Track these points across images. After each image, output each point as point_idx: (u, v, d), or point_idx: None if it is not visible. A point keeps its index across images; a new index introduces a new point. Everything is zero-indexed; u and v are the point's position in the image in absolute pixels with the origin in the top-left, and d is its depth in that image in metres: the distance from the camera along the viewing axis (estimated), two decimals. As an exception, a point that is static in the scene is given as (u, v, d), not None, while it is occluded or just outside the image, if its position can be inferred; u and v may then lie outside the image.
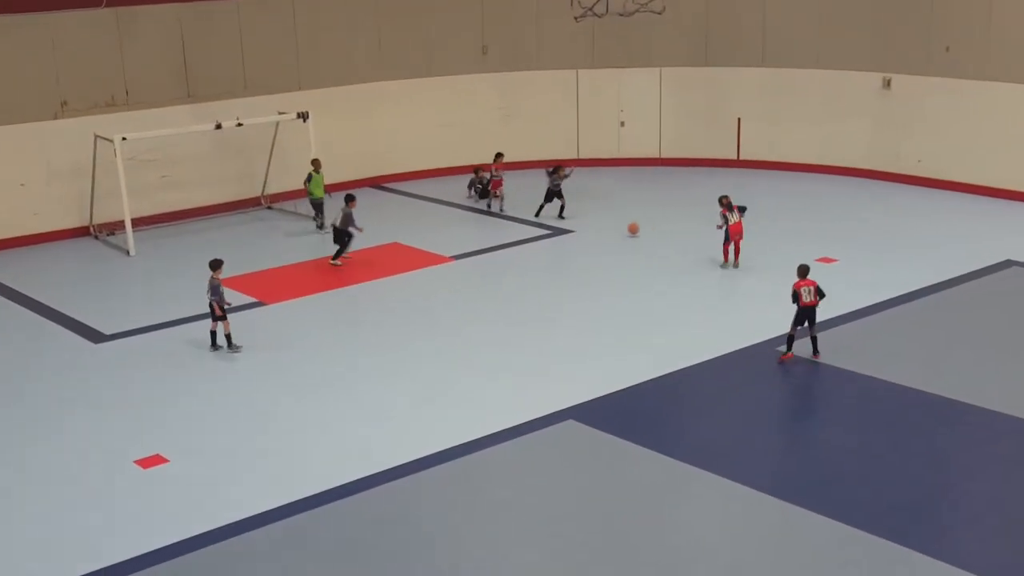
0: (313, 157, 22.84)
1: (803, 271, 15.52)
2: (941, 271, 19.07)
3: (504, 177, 23.59)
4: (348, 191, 21.76)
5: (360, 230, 20.32)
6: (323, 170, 22.85)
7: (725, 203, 19.53)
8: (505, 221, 23.21)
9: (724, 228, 19.43)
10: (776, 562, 10.90)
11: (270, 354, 16.40)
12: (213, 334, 16.44)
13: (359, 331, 17.23)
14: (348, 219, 20.17)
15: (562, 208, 22.94)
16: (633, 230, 21.33)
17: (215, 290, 16.23)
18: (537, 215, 23.00)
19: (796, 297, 15.34)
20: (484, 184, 24.35)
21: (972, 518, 11.58)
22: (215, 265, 16.54)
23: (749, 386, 15.00)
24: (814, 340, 15.50)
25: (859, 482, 12.34)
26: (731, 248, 19.60)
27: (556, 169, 23.04)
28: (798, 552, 11.04)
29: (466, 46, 27.02)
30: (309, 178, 22.63)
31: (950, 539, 11.17)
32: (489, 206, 23.71)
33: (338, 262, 20.30)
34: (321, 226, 22.72)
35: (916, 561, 10.74)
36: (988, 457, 12.91)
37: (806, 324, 15.42)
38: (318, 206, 22.81)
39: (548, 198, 23.02)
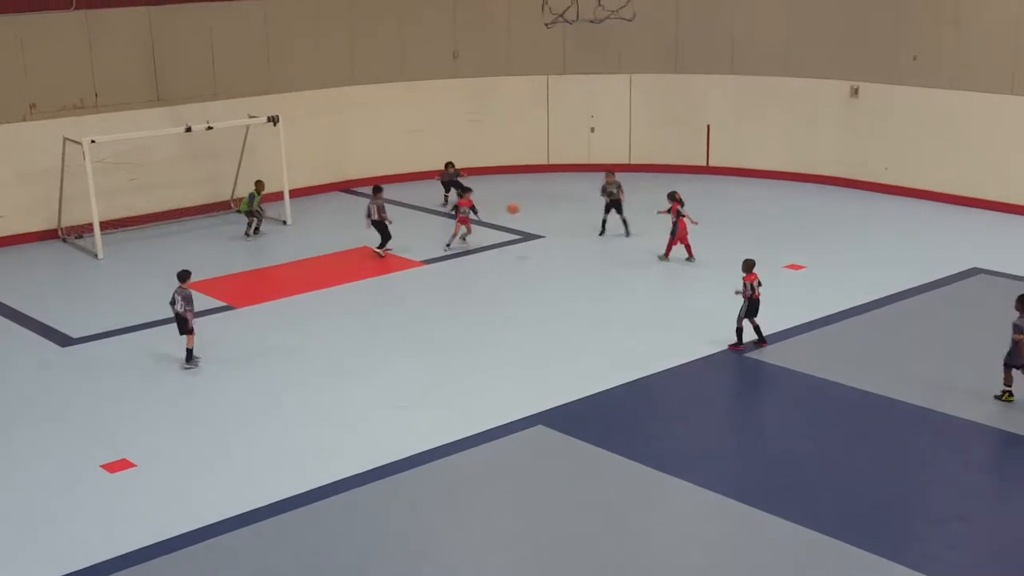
0: (258, 179, 22.79)
1: (749, 265, 16.16)
2: (908, 278, 19.25)
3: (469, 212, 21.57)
4: (376, 184, 22.20)
5: (390, 221, 21.01)
6: (291, 171, 22.84)
7: (678, 198, 20.13)
8: (474, 226, 23.19)
9: (674, 223, 20.08)
10: (743, 567, 10.97)
11: (238, 358, 16.34)
12: (189, 350, 16.07)
13: (328, 335, 17.19)
14: (382, 209, 20.83)
15: (625, 223, 21.93)
16: (513, 210, 21.17)
17: (188, 300, 15.85)
18: (603, 229, 22.21)
19: (750, 290, 16.01)
20: (450, 179, 24.52)
21: (937, 524, 11.70)
22: (184, 276, 16.17)
23: (717, 392, 15.10)
24: (759, 328, 16.19)
25: (825, 488, 12.45)
26: (676, 244, 20.23)
27: (606, 175, 22.02)
28: (765, 557, 11.12)
29: (437, 51, 27.04)
30: (251, 198, 22.51)
31: (914, 545, 11.28)
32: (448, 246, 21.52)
33: (381, 252, 20.84)
34: (250, 232, 22.70)
35: (881, 566, 10.84)
36: (954, 463, 13.05)
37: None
38: (251, 214, 22.68)
39: (607, 210, 22.01)
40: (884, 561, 10.90)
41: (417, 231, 22.61)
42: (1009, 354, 14.31)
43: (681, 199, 20.21)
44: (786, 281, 19.21)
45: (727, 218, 23.44)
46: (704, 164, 27.48)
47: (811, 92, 25.96)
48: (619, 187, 21.73)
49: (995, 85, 23.36)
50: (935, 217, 23.42)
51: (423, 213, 24.34)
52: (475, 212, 21.41)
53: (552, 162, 27.93)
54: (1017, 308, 14.25)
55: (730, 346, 16.22)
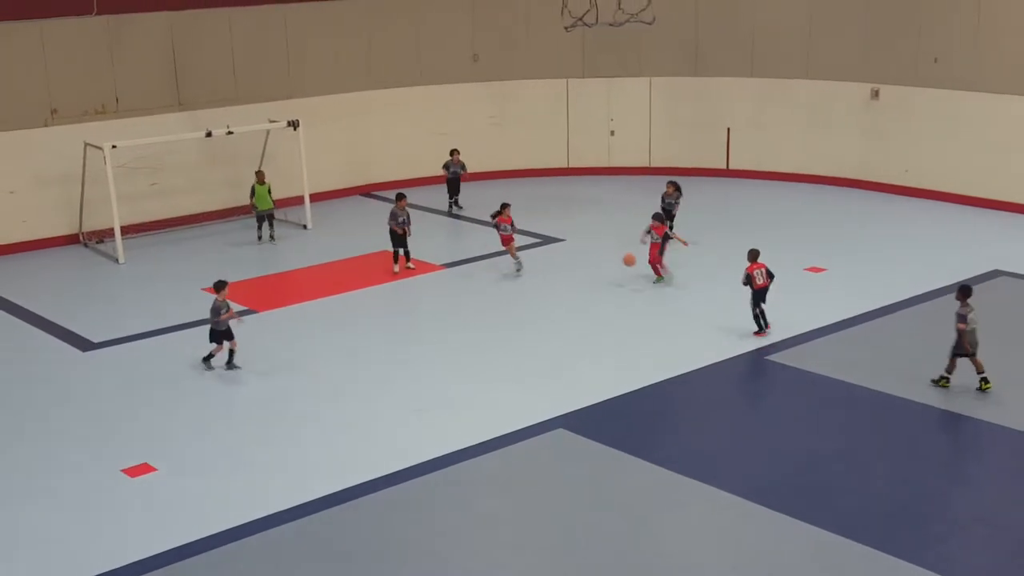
0: (257, 169, 22.81)
1: (754, 255, 16.56)
2: (929, 281, 19.15)
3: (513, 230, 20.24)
4: (399, 190, 21.79)
5: (408, 233, 20.33)
6: (311, 175, 22.83)
7: (660, 219, 19.57)
8: (496, 230, 23.19)
9: (663, 244, 19.39)
10: (763, 569, 10.92)
11: (259, 362, 16.37)
12: (231, 352, 15.97)
13: (349, 339, 17.22)
14: (394, 217, 20.26)
15: (670, 227, 20.87)
16: (629, 262, 19.01)
17: (215, 311, 15.66)
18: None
19: (749, 280, 16.44)
20: (452, 175, 24.32)
21: (958, 526, 11.63)
22: (220, 286, 15.89)
23: (737, 395, 15.04)
24: (764, 314, 16.65)
25: (845, 490, 12.38)
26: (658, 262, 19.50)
27: (667, 186, 21.48)
28: (784, 560, 11.06)
29: (456, 55, 27.07)
30: (253, 191, 22.53)
31: (936, 547, 11.20)
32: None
33: (411, 264, 20.42)
34: (263, 238, 22.58)
35: (901, 569, 10.78)
36: (974, 466, 12.97)
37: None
38: (262, 218, 22.63)
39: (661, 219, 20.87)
40: (904, 563, 10.84)
41: (436, 234, 22.63)
42: (956, 344, 14.72)
43: (670, 219, 20.60)
44: (807, 284, 19.12)
45: (747, 221, 23.36)
46: (724, 167, 27.41)
47: (831, 94, 25.86)
48: (677, 201, 21.25)
49: (1016, 87, 23.22)
50: (956, 219, 23.28)
51: (443, 217, 24.36)
52: (513, 227, 20.06)
53: (572, 165, 27.92)
54: (959, 299, 14.70)
55: (755, 333, 16.71)
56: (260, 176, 22.65)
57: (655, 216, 19.58)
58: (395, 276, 20.07)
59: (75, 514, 12.20)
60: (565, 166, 27.93)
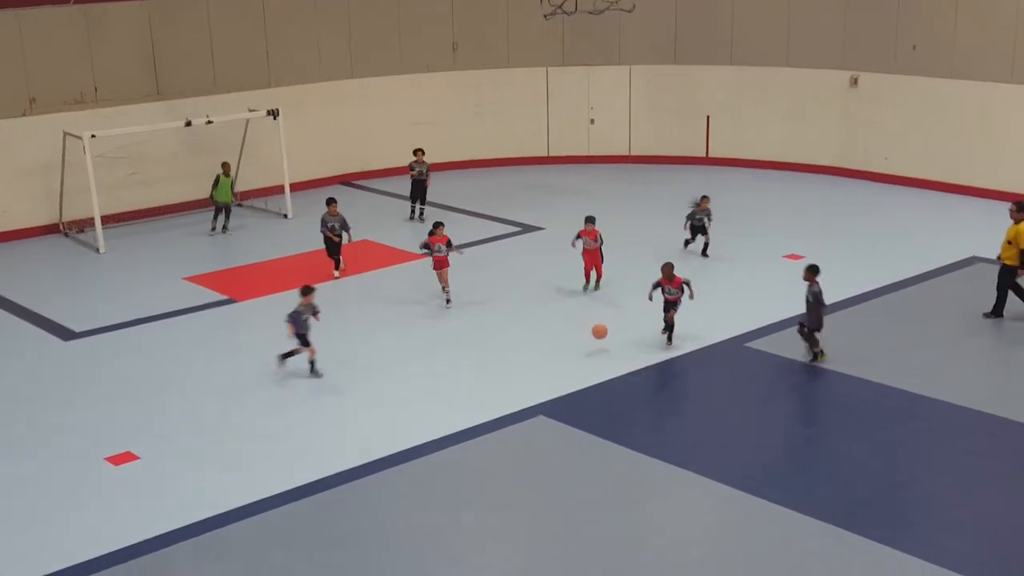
0: (223, 161, 22.77)
1: (668, 271, 15.95)
2: (906, 267, 19.32)
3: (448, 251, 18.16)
4: (329, 196, 20.68)
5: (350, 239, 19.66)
6: (288, 166, 22.72)
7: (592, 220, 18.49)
8: (475, 219, 23.28)
9: (598, 249, 18.38)
10: (744, 555, 11.04)
11: (239, 352, 16.40)
12: (291, 352, 15.42)
13: (328, 329, 17.21)
14: (325, 223, 19.48)
15: (706, 247, 20.31)
16: (600, 333, 15.95)
17: (295, 315, 15.18)
18: (686, 245, 20.54)
19: (657, 287, 15.99)
20: (417, 176, 23.12)
21: (937, 511, 11.77)
22: (305, 291, 15.34)
23: (717, 382, 15.14)
24: (670, 328, 16.04)
25: (823, 475, 12.51)
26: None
27: (700, 201, 20.32)
28: (766, 545, 11.18)
29: (436, 44, 27.07)
30: (216, 182, 22.45)
31: (915, 532, 11.34)
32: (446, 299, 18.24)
33: (337, 273, 19.54)
34: (216, 229, 22.48)
35: (882, 553, 10.91)
36: (954, 451, 13.11)
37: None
38: (220, 209, 22.52)
39: (693, 234, 20.41)
40: (885, 548, 10.96)
41: (416, 224, 22.63)
42: (813, 321, 15.31)
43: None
44: (785, 271, 19.25)
45: (726, 209, 23.44)
46: (704, 155, 27.52)
47: (811, 82, 25.99)
48: (709, 216, 20.18)
49: (995, 74, 23.39)
50: (934, 206, 23.46)
51: (423, 206, 24.35)
52: (449, 247, 18.05)
53: (552, 154, 27.97)
54: (807, 279, 15.29)
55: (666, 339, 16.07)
56: (226, 168, 22.59)
57: (588, 219, 18.37)
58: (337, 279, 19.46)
59: (59, 502, 12.23)
60: (545, 155, 27.98)
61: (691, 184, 25.66)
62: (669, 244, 20.95)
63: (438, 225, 18.03)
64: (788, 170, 26.55)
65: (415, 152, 23.27)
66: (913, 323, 17.06)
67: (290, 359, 15.41)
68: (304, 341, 15.23)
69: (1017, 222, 16.76)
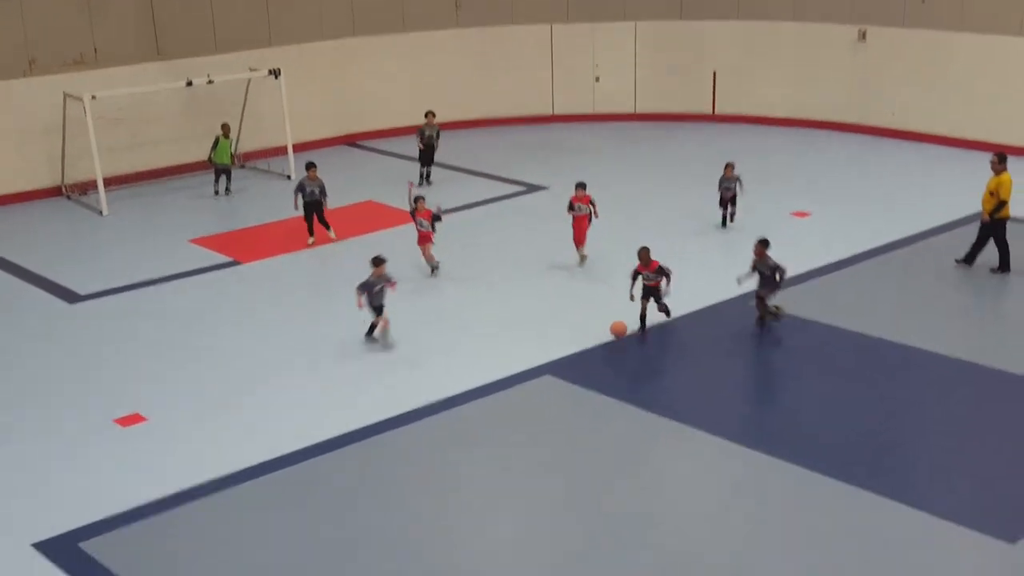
0: (223, 122, 22.60)
1: (644, 256, 14.89)
2: (914, 223, 19.22)
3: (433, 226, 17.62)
4: (308, 160, 20.10)
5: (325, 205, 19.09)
6: (291, 127, 22.53)
7: (583, 186, 17.75)
8: (478, 178, 23.16)
9: (589, 215, 17.67)
10: (750, 509, 11.05)
11: (244, 313, 16.37)
12: (372, 325, 15.08)
13: (335, 289, 17.20)
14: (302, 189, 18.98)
15: (731, 216, 19.46)
16: (619, 331, 15.07)
17: (367, 286, 14.82)
18: (725, 220, 19.49)
19: (635, 277, 14.99)
20: (427, 143, 22.55)
21: (935, 463, 11.77)
22: (377, 262, 14.98)
23: (723, 340, 15.08)
24: (664, 308, 15.20)
25: (828, 430, 12.50)
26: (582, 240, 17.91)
27: (725, 168, 19.35)
28: (770, 499, 11.19)
29: (439, 1, 26.79)
30: (216, 144, 22.26)
31: (916, 484, 11.35)
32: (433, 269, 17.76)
33: (319, 237, 19.19)
34: (219, 192, 22.38)
35: (883, 506, 10.94)
36: (948, 402, 13.13)
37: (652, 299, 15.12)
38: (220, 172, 22.39)
39: (723, 205, 19.40)
40: (886, 500, 11.00)
41: (424, 188, 22.49)
42: (766, 289, 15.09)
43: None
44: (792, 228, 19.15)
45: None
46: (710, 112, 27.32)
47: (818, 37, 25.73)
48: (739, 182, 19.23)
49: (1003, 27, 23.13)
50: (943, 161, 23.29)
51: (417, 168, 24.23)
52: (438, 220, 17.56)
53: (557, 112, 27.78)
54: (759, 253, 14.94)
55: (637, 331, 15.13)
56: (225, 129, 22.43)
57: (579, 185, 17.69)
58: (311, 246, 19.11)
59: (67, 463, 12.25)
60: (550, 113, 27.79)
61: (697, 142, 25.54)
62: (675, 202, 20.89)
63: (419, 200, 17.48)
64: (795, 127, 26.35)
65: (426, 115, 22.73)
66: (921, 279, 16.98)
67: (376, 332, 15.02)
68: (378, 311, 14.89)
69: (998, 173, 16.75)
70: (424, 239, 17.51)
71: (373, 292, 14.84)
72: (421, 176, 22.69)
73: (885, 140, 25.01)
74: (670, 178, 22.77)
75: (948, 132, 24.35)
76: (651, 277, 14.96)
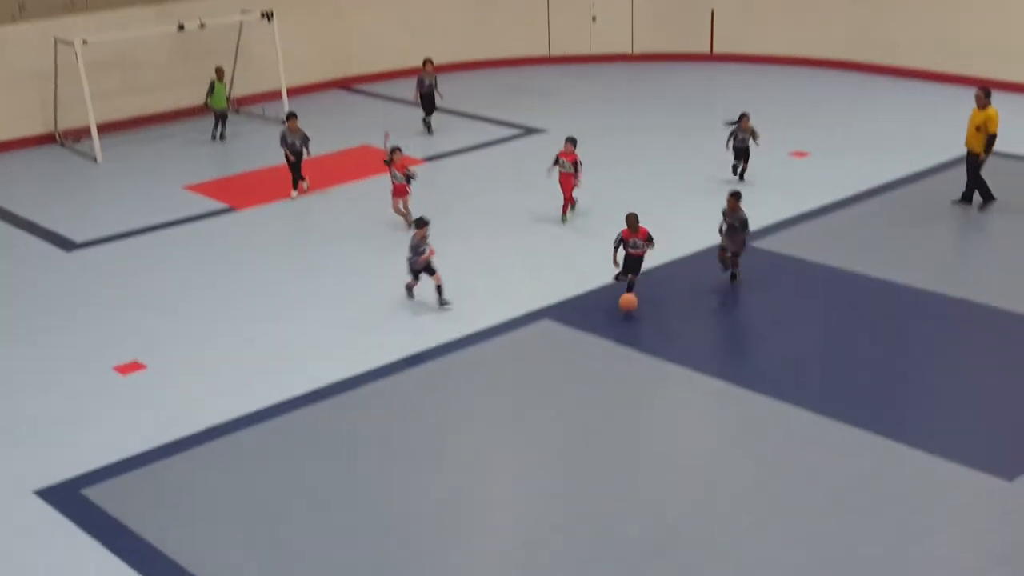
0: (217, 66, 22.33)
1: (632, 222, 13.99)
2: (914, 162, 19.13)
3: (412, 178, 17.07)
4: (289, 111, 19.64)
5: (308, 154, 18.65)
6: (285, 70, 22.27)
7: (574, 142, 16.98)
8: (474, 121, 23.00)
9: (577, 175, 16.99)
10: (747, 449, 11.10)
11: (241, 260, 16.32)
12: (409, 288, 14.63)
13: (331, 234, 17.14)
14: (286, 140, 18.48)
15: (744, 170, 18.55)
16: (629, 304, 14.11)
17: (414, 249, 14.27)
18: (738, 175, 18.59)
19: (623, 245, 14.11)
20: (427, 90, 21.93)
21: (935, 402, 11.81)
22: (420, 223, 14.34)
23: (718, 284, 15.05)
24: (632, 285, 14.23)
25: (829, 372, 12.53)
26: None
27: (740, 119, 18.37)
28: (768, 439, 11.24)
29: (433, -59, 26.45)
30: (211, 88, 22.03)
31: (911, 422, 11.41)
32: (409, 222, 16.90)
33: (296, 192, 18.80)
34: (216, 137, 22.19)
35: (884, 446, 10.99)
36: (952, 342, 13.17)
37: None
38: (219, 117, 22.19)
39: (737, 157, 18.55)
40: (887, 441, 11.05)
41: (417, 128, 22.32)
42: (733, 243, 14.49)
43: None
44: (791, 168, 19.06)
45: (731, 107, 23.15)
46: (708, 51, 27.06)
47: (816, -26, 25.45)
48: (753, 134, 18.32)
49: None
50: (944, 100, 23.11)
51: (418, 111, 24.03)
52: (412, 179, 17.04)
53: (553, 53, 27.51)
54: (731, 206, 14.43)
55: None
56: (219, 73, 22.17)
57: (568, 139, 17.02)
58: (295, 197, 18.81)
59: (67, 411, 12.27)
60: (546, 55, 27.53)
61: (694, 82, 25.34)
62: (671, 145, 20.76)
63: (395, 151, 16.91)
64: (795, 65, 26.12)
65: (423, 63, 22.06)
66: (922, 219, 16.94)
67: (442, 295, 14.35)
68: (416, 275, 14.47)
69: (984, 108, 16.74)
70: (399, 192, 16.99)
71: (417, 255, 14.28)
72: (426, 124, 22.11)
73: (886, 78, 24.80)
74: (669, 121, 22.60)
75: (951, 69, 24.12)
76: (638, 245, 14.01)
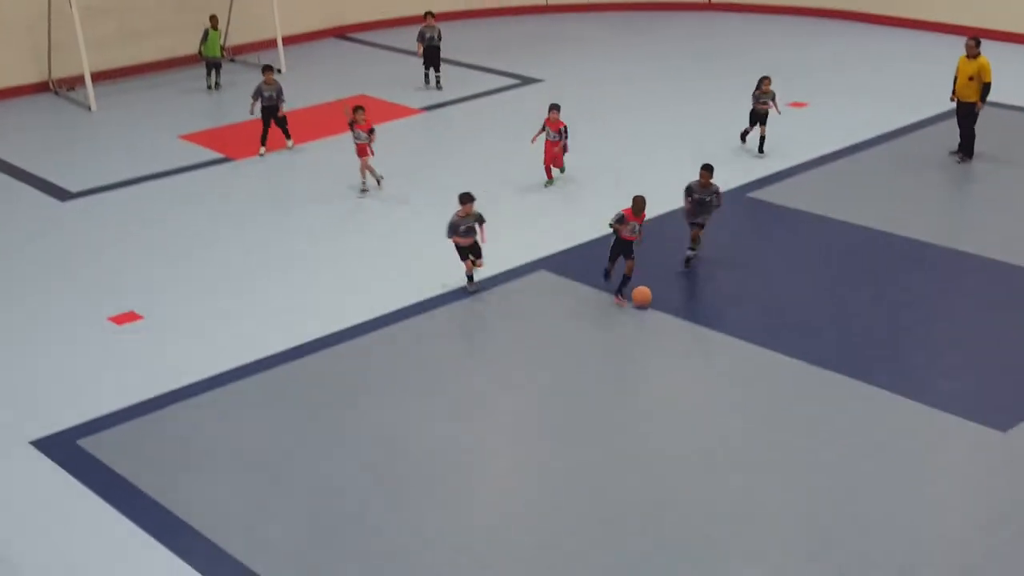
0: (211, 14, 22.07)
1: (639, 205, 12.84)
2: (912, 113, 19.04)
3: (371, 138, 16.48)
4: (265, 63, 19.21)
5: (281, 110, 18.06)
6: (280, 19, 22.03)
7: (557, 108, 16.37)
8: (471, 71, 22.81)
9: (563, 141, 16.37)
10: (743, 400, 11.14)
11: (238, 210, 16.27)
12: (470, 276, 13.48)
13: (330, 185, 17.06)
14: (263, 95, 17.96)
15: (762, 139, 17.55)
16: (643, 299, 13.06)
17: (453, 228, 13.14)
18: (743, 139, 17.90)
19: (621, 221, 12.88)
20: (429, 43, 21.47)
21: (932, 354, 11.84)
22: (464, 199, 13.16)
23: (719, 232, 15.01)
24: (623, 281, 13.16)
25: (827, 323, 12.54)
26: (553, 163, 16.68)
27: (761, 82, 17.38)
28: (763, 390, 11.27)
29: None
30: (205, 36, 21.75)
31: (908, 374, 11.44)
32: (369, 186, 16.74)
33: (263, 150, 18.30)
34: (211, 86, 21.99)
35: (881, 398, 11.04)
36: (948, 294, 13.18)
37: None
38: (212, 65, 21.96)
39: (752, 121, 17.62)
40: (880, 391, 11.10)
41: (416, 78, 22.14)
42: (705, 216, 13.78)
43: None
44: (789, 119, 18.94)
45: (729, 57, 22.99)
46: (707, 1, 26.80)
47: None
48: (774, 97, 17.37)
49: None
50: (942, 50, 22.91)
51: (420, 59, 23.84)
52: (370, 135, 16.40)
53: (551, 2, 27.24)
54: (704, 180, 13.59)
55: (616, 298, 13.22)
56: (214, 21, 21.91)
57: (553, 106, 16.35)
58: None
59: (63, 361, 12.28)
60: (545, 3, 27.26)
61: (692, 32, 25.12)
62: (666, 97, 20.61)
63: (358, 109, 16.29)
64: (793, 15, 25.87)
65: (425, 16, 21.55)
66: (919, 170, 16.87)
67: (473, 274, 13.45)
68: (463, 255, 13.21)
69: (976, 57, 16.68)
70: (362, 151, 16.41)
71: (460, 233, 13.13)
72: (427, 79, 21.66)
73: (885, 28, 24.59)
74: (667, 68, 22.43)
75: (948, 19, 23.89)
76: (636, 230, 12.94)
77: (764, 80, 17.35)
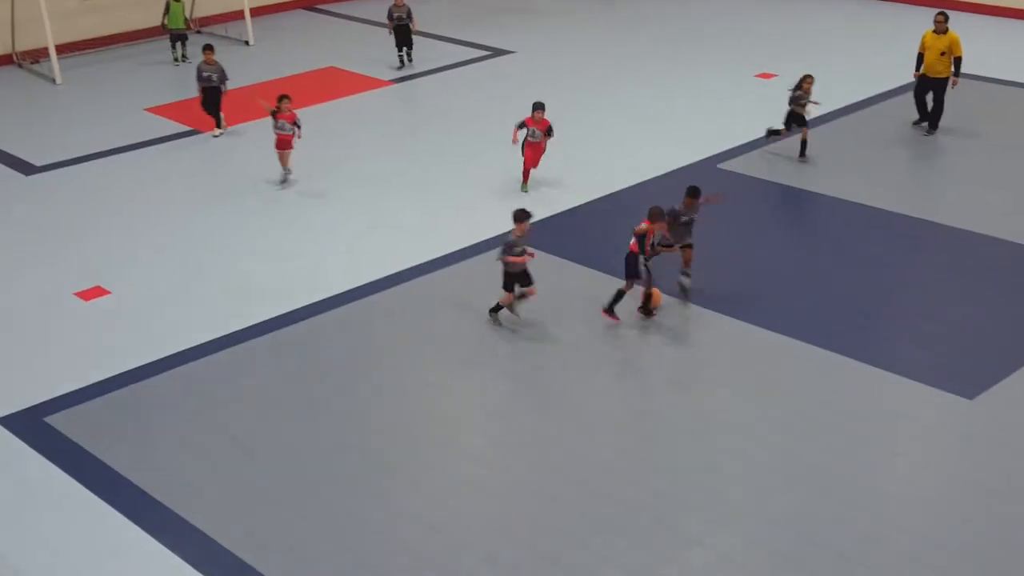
0: None
1: (656, 215, 11.81)
2: (882, 83, 19.07)
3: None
4: (206, 43, 18.50)
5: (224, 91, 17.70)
6: None
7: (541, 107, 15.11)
8: (440, 43, 22.66)
9: (541, 141, 15.16)
10: (717, 369, 11.18)
11: (207, 183, 16.12)
12: (509, 307, 12.12)
13: (301, 158, 16.91)
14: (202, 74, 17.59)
15: (804, 145, 16.08)
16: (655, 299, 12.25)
17: (508, 249, 11.78)
18: (767, 137, 16.54)
19: (641, 241, 11.87)
20: (398, 22, 20.60)
21: (908, 325, 11.90)
22: (519, 216, 11.80)
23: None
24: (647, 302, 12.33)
25: (791, 293, 12.58)
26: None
27: (802, 82, 15.98)
28: (736, 359, 11.31)
29: None
30: (167, 8, 21.47)
31: (875, 342, 11.52)
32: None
33: (218, 131, 17.93)
34: (178, 59, 21.70)
35: (843, 364, 11.13)
36: (915, 263, 13.25)
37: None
38: (176, 38, 21.65)
39: (788, 123, 16.18)
40: (847, 360, 11.17)
41: (387, 50, 21.97)
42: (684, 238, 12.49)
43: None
44: (757, 90, 18.95)
45: (699, 29, 22.95)
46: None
47: None
48: (808, 95, 15.98)
49: None
50: (916, 22, 22.94)
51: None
52: (296, 126, 15.71)
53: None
54: (689, 204, 12.37)
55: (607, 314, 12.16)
56: None
57: (536, 106, 15.12)
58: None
59: (29, 337, 12.16)
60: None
61: (665, 5, 25.03)
62: (636, 61, 20.54)
63: (283, 99, 15.66)
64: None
65: None
66: (888, 140, 16.92)
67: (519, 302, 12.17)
68: (510, 285, 11.93)
69: (944, 32, 16.73)
70: (282, 143, 15.73)
71: (515, 253, 11.73)
72: (401, 60, 21.11)
73: (856, 1, 24.63)
74: (643, 38, 22.36)
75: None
76: (665, 241, 12.22)
77: (806, 79, 15.87)
